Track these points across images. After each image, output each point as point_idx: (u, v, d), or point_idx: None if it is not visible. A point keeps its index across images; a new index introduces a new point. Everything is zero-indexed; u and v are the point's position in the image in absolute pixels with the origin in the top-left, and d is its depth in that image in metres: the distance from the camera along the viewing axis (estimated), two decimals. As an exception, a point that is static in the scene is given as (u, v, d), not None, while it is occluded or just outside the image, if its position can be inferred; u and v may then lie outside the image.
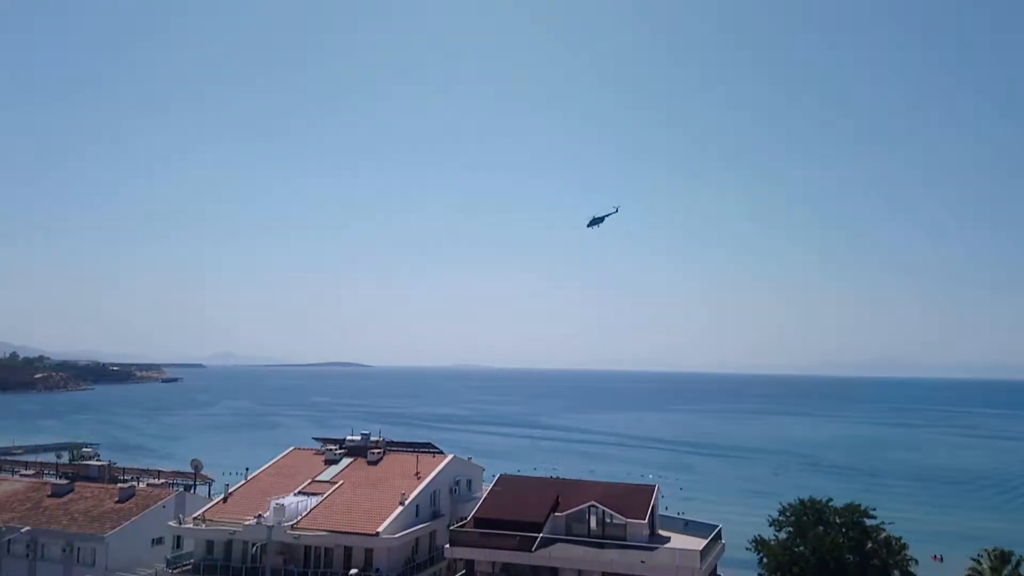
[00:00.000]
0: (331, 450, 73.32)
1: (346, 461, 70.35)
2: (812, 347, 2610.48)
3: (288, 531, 57.12)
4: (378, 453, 71.07)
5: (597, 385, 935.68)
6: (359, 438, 75.05)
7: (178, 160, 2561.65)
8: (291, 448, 76.90)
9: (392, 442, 76.55)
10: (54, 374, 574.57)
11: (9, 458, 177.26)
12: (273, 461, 72.13)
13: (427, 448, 74.20)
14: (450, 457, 70.11)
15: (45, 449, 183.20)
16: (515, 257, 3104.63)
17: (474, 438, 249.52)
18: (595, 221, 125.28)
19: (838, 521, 59.37)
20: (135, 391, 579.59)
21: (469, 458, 75.13)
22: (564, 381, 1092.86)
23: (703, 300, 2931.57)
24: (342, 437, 77.74)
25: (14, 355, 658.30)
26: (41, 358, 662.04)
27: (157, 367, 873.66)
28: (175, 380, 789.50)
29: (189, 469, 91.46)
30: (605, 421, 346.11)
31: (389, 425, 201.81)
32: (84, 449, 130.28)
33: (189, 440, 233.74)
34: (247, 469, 74.79)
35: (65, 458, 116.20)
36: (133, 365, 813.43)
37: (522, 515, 57.13)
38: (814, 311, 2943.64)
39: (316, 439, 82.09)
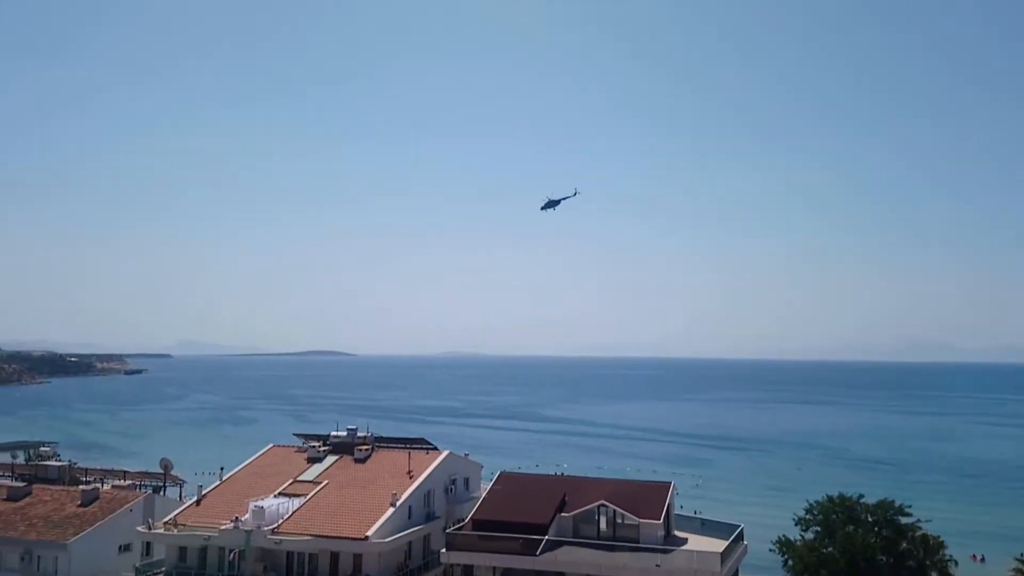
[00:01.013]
0: (314, 447, 73.45)
1: (331, 459, 70.50)
2: (834, 330, 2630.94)
3: (268, 536, 57.29)
4: (366, 450, 71.20)
5: (601, 373, 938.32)
6: (344, 434, 75.17)
7: (143, 138, 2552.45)
8: (269, 445, 76.99)
9: (381, 438, 76.72)
10: (5, 366, 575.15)
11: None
12: (250, 460, 72.25)
13: (420, 444, 74.40)
14: (445, 453, 70.32)
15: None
16: (507, 238, 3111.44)
17: (470, 432, 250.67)
18: (550, 204, 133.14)
19: (870, 519, 59.65)
20: (96, 384, 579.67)
21: (466, 454, 75.37)
22: (564, 369, 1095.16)
23: (714, 280, 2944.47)
24: (326, 433, 77.87)
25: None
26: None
27: (119, 358, 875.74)
28: (139, 372, 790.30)
29: (158, 469, 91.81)
30: (612, 412, 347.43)
31: (377, 419, 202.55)
32: (42, 448, 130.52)
33: (157, 437, 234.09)
34: (222, 469, 74.98)
35: (21, 458, 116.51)
36: (93, 356, 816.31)
37: (525, 516, 57.37)
38: (835, 291, 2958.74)
39: (297, 435, 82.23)
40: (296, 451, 74.55)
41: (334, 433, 76.05)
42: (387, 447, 73.98)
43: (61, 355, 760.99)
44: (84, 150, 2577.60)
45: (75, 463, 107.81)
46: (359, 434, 75.23)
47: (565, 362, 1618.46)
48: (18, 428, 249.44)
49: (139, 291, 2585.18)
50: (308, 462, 70.76)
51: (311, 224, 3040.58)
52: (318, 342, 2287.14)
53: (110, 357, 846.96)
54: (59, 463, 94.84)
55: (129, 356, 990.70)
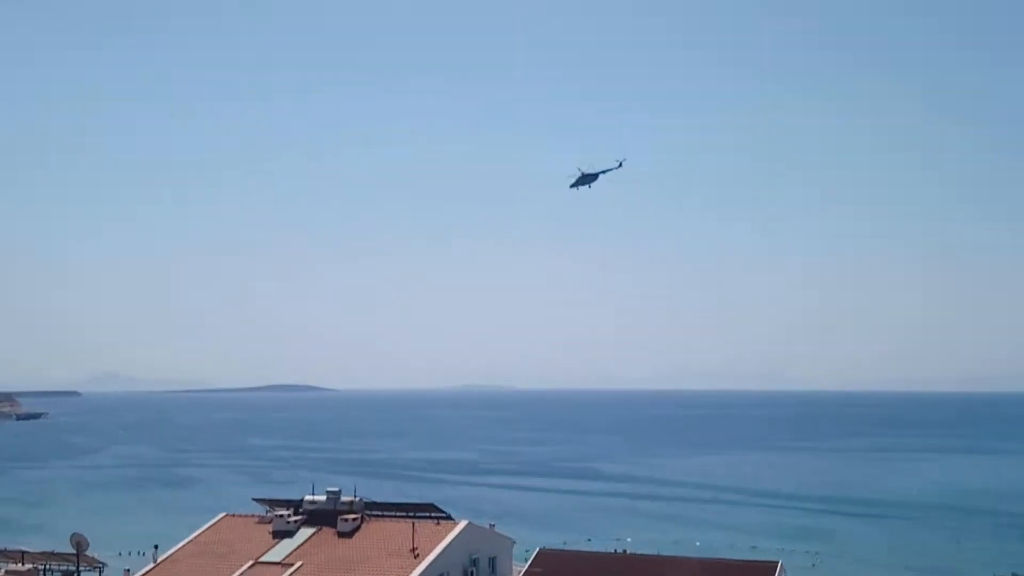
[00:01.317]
0: (282, 516, 74.12)
1: (305, 532, 71.07)
2: (983, 352, 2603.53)
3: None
4: (354, 520, 71.74)
5: (667, 413, 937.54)
6: (323, 498, 75.85)
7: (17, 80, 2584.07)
8: (221, 515, 77.78)
9: (374, 503, 77.26)
10: None
11: None
12: (195, 534, 73.04)
13: (427, 511, 74.92)
14: (463, 524, 70.69)
15: None
16: (536, 231, 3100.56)
17: (496, 495, 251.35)
18: (585, 179, 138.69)
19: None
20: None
21: (491, 525, 75.58)
22: (618, 408, 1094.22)
23: (814, 293, 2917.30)
24: (297, 497, 78.46)
25: None
26: None
27: (8, 397, 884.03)
28: (37, 416, 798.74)
29: (69, 548, 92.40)
30: (691, 467, 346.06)
31: (366, 478, 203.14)
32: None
33: (64, 505, 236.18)
34: (156, 547, 75.60)
35: None
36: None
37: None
38: (969, 308, 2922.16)
39: (258, 500, 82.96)
40: (257, 522, 75.19)
41: (309, 497, 76.63)
42: (383, 516, 74.56)
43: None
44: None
45: None
46: (343, 498, 75.79)
47: (619, 398, 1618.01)
48: None
49: (33, 308, 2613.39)
50: (274, 537, 71.33)
51: (270, 216, 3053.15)
52: (284, 374, 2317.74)
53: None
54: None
55: (21, 395, 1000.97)
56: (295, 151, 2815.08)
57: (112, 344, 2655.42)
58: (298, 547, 68.87)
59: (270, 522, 74.32)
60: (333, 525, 71.81)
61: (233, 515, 78.42)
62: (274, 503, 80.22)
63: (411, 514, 74.45)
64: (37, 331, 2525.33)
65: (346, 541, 69.13)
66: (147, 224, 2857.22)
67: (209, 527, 74.72)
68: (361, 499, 76.18)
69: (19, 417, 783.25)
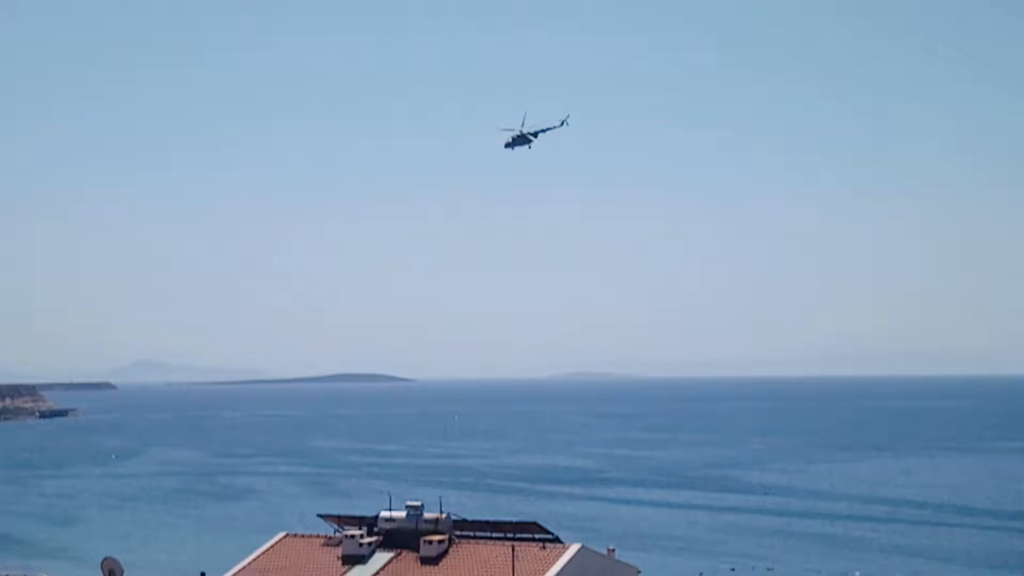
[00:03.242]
0: (353, 538, 75.06)
1: (382, 558, 72.07)
2: None
3: None
4: (440, 543, 72.41)
5: (818, 405, 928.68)
6: (403, 514, 76.57)
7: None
8: (280, 535, 79.28)
9: (464, 521, 77.80)
10: None
11: None
12: (250, 559, 74.66)
13: (530, 531, 75.24)
14: (575, 548, 71.08)
15: None
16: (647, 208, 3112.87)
17: (613, 511, 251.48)
18: (522, 139, 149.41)
19: None
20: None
21: (610, 549, 75.84)
22: (758, 398, 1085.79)
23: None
24: (371, 514, 79.35)
25: None
26: None
27: (32, 390, 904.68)
28: (63, 413, 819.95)
29: (99, 574, 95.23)
30: (854, 474, 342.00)
31: (454, 490, 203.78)
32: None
33: (94, 522, 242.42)
34: (203, 574, 77.45)
35: None
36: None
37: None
38: None
39: (324, 517, 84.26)
40: (323, 543, 76.51)
41: (385, 513, 77.45)
42: (475, 537, 75.13)
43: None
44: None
45: None
46: (427, 515, 76.43)
47: (757, 385, 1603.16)
48: None
49: (62, 285, 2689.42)
50: (344, 563, 72.56)
51: (336, 185, 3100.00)
52: (353, 362, 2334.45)
53: (15, 390, 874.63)
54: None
55: (46, 387, 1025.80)
56: (372, 129, 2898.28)
57: (150, 328, 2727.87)
58: (374, 575, 69.79)
59: (339, 544, 75.26)
60: (415, 549, 72.39)
61: (295, 535, 79.73)
62: (343, 520, 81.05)
63: (510, 535, 74.68)
64: (67, 316, 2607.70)
65: (431, 569, 69.73)
66: (186, 191, 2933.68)
67: (266, 550, 76.07)
68: (448, 516, 76.55)
69: (42, 414, 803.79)
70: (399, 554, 72.63)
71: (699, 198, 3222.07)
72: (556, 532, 76.47)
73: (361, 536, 75.42)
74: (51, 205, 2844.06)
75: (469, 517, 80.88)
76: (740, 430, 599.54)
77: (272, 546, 77.10)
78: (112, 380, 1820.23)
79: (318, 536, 78.70)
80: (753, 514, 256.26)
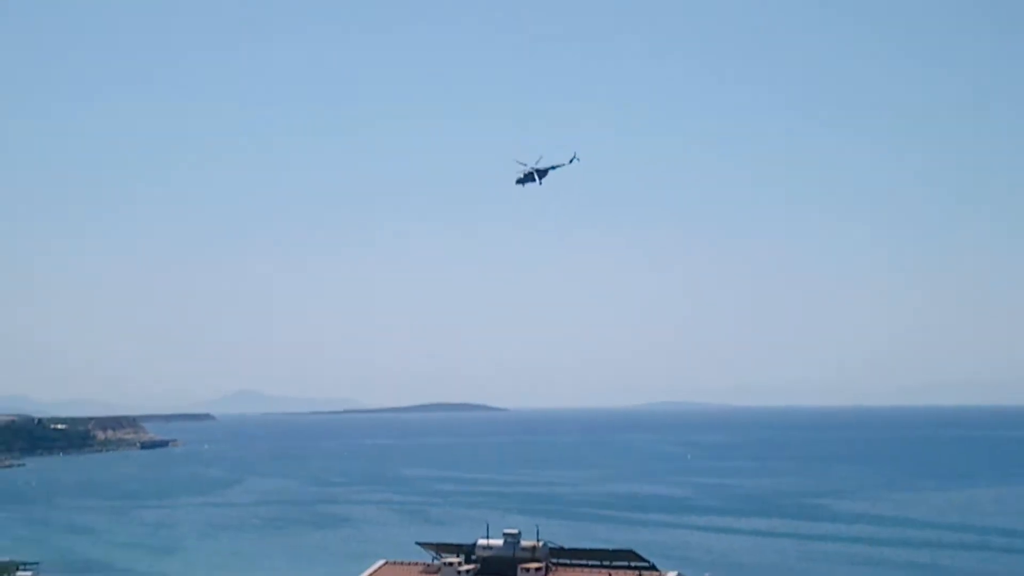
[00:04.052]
0: (451, 565, 76.43)
1: (479, 585, 73.15)
2: None
3: None
4: (537, 570, 73.41)
5: (914, 434, 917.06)
6: (500, 542, 77.59)
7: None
8: (379, 563, 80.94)
9: (561, 549, 78.66)
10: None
11: None
12: (351, 586, 76.35)
13: (626, 559, 76.06)
14: None
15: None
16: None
17: (706, 540, 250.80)
18: (533, 175, 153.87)
19: None
20: (96, 465, 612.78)
21: (705, 576, 76.56)
22: (851, 428, 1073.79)
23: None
24: (468, 541, 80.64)
25: None
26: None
27: (133, 422, 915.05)
28: (164, 444, 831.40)
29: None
30: (945, 503, 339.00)
31: (549, 518, 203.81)
32: (18, 572, 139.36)
33: (195, 551, 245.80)
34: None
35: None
36: (91, 421, 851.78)
37: None
38: None
39: (422, 545, 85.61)
40: (422, 571, 78.01)
41: (482, 541, 78.61)
42: (572, 565, 76.11)
43: (40, 421, 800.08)
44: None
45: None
46: (523, 543, 77.30)
47: (852, 415, 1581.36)
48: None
49: (162, 318, 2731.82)
50: (441, 590, 73.83)
51: (423, 217, 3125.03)
52: (444, 391, 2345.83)
53: (117, 422, 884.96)
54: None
55: (147, 419, 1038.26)
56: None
57: (250, 360, 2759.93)
58: (471, 602, 70.93)
59: (437, 571, 76.45)
60: (512, 574, 73.31)
61: (394, 563, 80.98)
62: (441, 548, 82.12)
63: (607, 563, 75.27)
64: (169, 347, 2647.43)
65: (528, 595, 70.54)
66: (287, 234, 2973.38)
67: (367, 577, 77.46)
68: (545, 543, 77.30)
69: (143, 445, 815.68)
70: (496, 581, 73.62)
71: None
72: (651, 559, 77.20)
73: (459, 564, 76.42)
74: (120, 237, 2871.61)
75: (565, 544, 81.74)
76: (824, 458, 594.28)
77: (372, 573, 78.57)
78: (211, 411, 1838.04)
79: (416, 564, 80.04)
80: (843, 542, 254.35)
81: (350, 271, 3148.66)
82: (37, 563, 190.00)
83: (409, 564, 79.47)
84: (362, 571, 79.68)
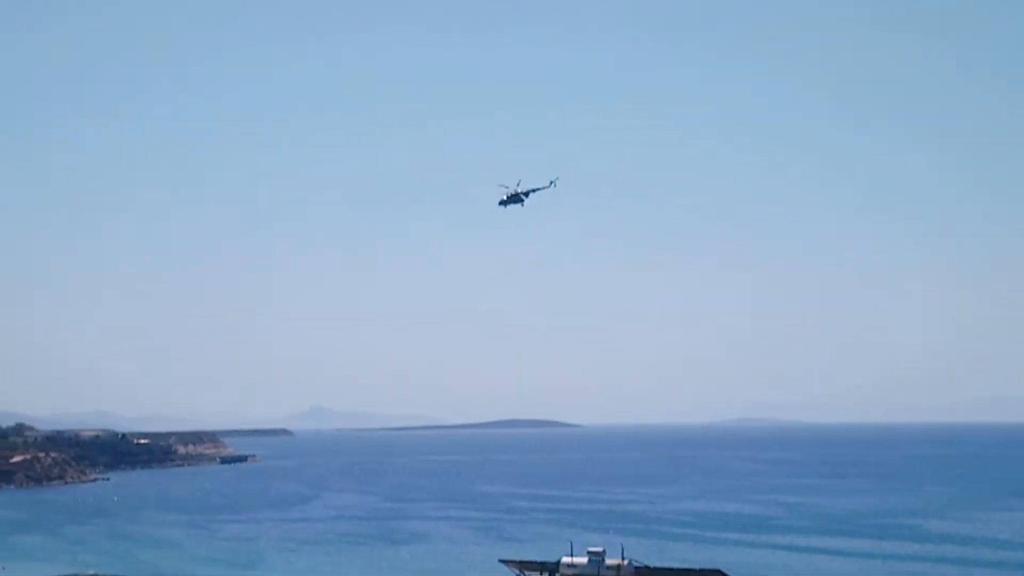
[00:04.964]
0: (534, 584, 74.14)
1: (565, 604, 70.78)
2: None
3: None
4: (624, 589, 70.96)
5: (1001, 452, 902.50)
6: (584, 560, 76.04)
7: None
8: (461, 580, 78.48)
9: (646, 568, 76.69)
10: (41, 455, 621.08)
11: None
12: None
13: (715, 579, 73.64)
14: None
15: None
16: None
17: (788, 559, 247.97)
18: (515, 198, 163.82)
19: None
20: (177, 480, 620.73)
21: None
22: (931, 444, 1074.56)
23: None
24: (552, 559, 78.70)
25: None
26: (20, 428, 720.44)
27: (212, 437, 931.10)
28: (243, 459, 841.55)
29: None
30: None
31: (630, 536, 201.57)
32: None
33: (274, 566, 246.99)
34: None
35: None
36: (172, 436, 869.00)
37: None
38: None
39: (505, 562, 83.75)
40: (505, 590, 75.56)
41: (566, 559, 77.29)
42: (659, 584, 73.63)
43: (124, 436, 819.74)
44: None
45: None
46: (608, 561, 75.78)
47: (931, 432, 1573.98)
48: (62, 553, 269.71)
49: (237, 342, 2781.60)
50: (526, 610, 71.38)
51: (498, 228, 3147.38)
52: (520, 408, 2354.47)
53: (198, 437, 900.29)
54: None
55: (226, 434, 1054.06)
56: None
57: (324, 377, 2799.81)
58: (556, 623, 68.85)
59: (520, 590, 74.62)
60: (598, 594, 71.43)
61: (475, 581, 79.19)
62: (524, 566, 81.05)
63: (694, 582, 73.78)
64: (247, 366, 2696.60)
65: (615, 616, 68.65)
66: (369, 258, 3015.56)
67: (447, 595, 75.58)
68: (630, 562, 76.34)
69: (223, 460, 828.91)
70: (582, 600, 71.32)
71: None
72: (741, 579, 74.37)
73: (542, 582, 74.29)
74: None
75: (650, 563, 79.49)
76: (902, 475, 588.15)
77: (454, 592, 76.27)
78: (289, 427, 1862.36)
79: (499, 582, 77.54)
80: (930, 563, 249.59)
81: (421, 287, 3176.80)
82: None
83: (491, 583, 76.54)
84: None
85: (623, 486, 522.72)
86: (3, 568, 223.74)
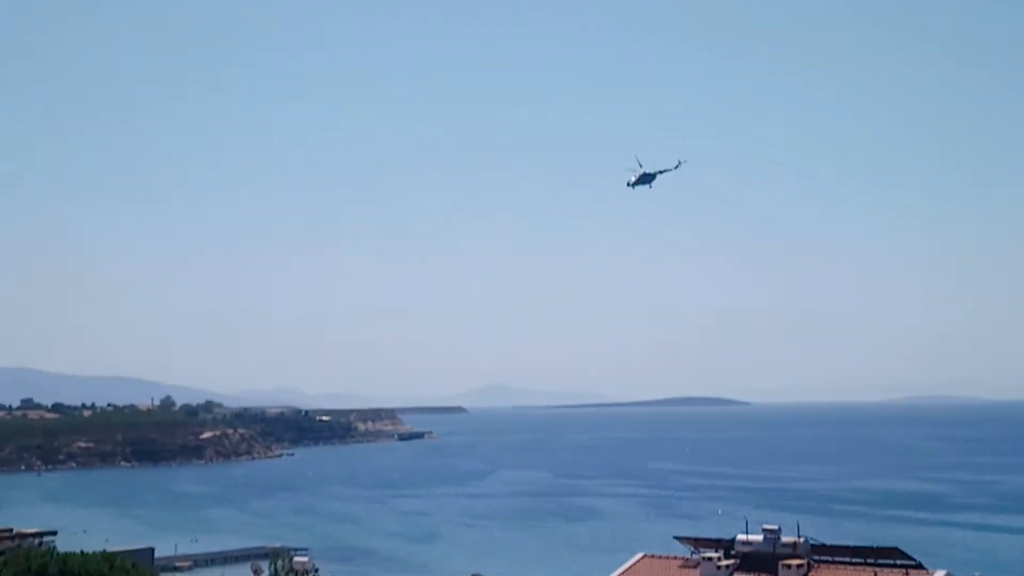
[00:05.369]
0: (710, 560, 74.68)
1: (741, 580, 71.14)
2: None
3: None
4: (799, 567, 71.45)
5: None
6: (760, 538, 75.81)
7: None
8: (638, 556, 79.45)
9: (822, 546, 76.28)
10: (230, 431, 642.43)
11: (177, 575, 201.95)
12: (610, 578, 74.89)
13: (890, 557, 73.18)
14: (940, 575, 68.38)
15: (228, 558, 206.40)
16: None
17: (968, 538, 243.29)
18: (645, 178, 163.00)
19: None
20: (358, 455, 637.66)
21: (977, 576, 72.87)
22: None
23: None
24: (727, 536, 78.71)
25: (168, 401, 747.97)
26: (210, 406, 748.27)
27: (391, 414, 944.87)
28: (420, 436, 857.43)
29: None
30: None
31: (804, 514, 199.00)
32: (295, 558, 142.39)
33: (452, 540, 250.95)
34: None
35: (265, 574, 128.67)
36: (352, 413, 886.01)
37: None
38: None
39: (680, 539, 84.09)
40: (681, 565, 76.45)
41: (741, 536, 77.06)
42: (834, 562, 73.65)
43: (307, 413, 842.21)
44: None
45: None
46: (784, 539, 75.31)
47: None
48: (251, 526, 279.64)
49: (420, 311, 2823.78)
50: (702, 585, 71.98)
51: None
52: (690, 385, 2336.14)
53: (377, 414, 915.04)
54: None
55: (404, 411, 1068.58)
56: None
57: (499, 353, 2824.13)
58: (733, 598, 69.18)
59: (696, 566, 75.10)
60: (773, 572, 71.45)
61: (652, 556, 79.83)
62: (699, 542, 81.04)
63: (870, 560, 73.13)
64: (422, 344, 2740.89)
65: (791, 592, 68.66)
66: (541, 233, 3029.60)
67: (626, 570, 76.34)
68: (806, 539, 75.54)
69: (401, 437, 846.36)
70: (756, 576, 71.60)
71: None
72: (917, 557, 73.90)
73: (718, 559, 74.87)
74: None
75: (827, 541, 79.11)
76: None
77: (631, 566, 77.45)
78: (463, 404, 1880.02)
79: (675, 558, 78.59)
80: None
81: (596, 266, 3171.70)
82: (307, 549, 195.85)
83: (667, 558, 78.10)
84: (618, 564, 78.34)
85: (794, 464, 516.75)
86: (195, 540, 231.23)
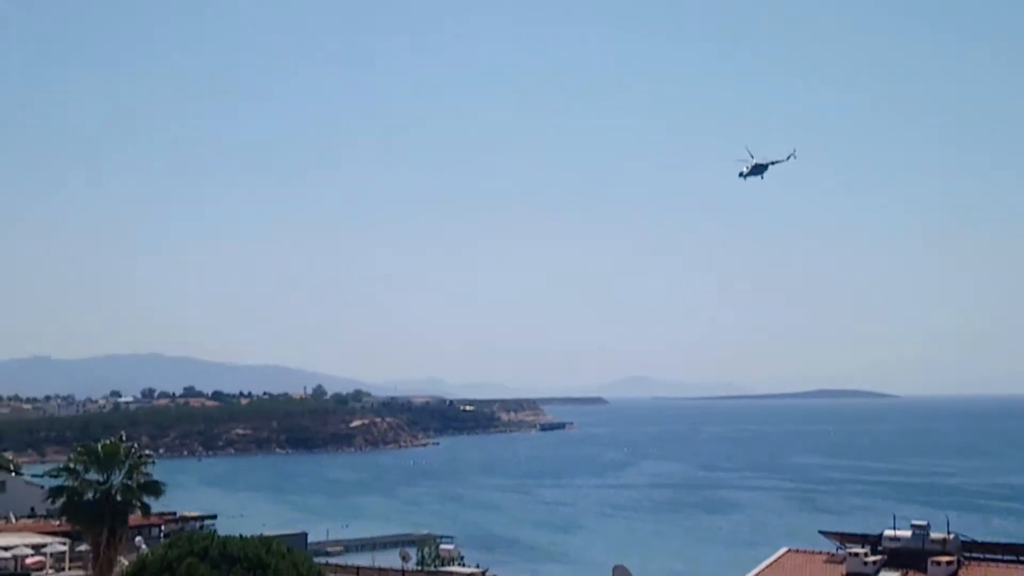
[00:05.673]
0: (856, 556, 73.86)
1: (888, 576, 70.30)
2: None
3: None
4: (949, 564, 70.33)
5: None
6: (908, 534, 74.89)
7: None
8: (783, 550, 78.83)
9: (974, 543, 74.95)
10: (378, 420, 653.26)
11: (328, 560, 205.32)
12: (755, 572, 74.86)
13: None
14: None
15: (377, 544, 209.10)
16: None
17: None
18: (757, 169, 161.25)
19: None
20: (500, 445, 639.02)
21: None
22: None
23: None
24: (874, 532, 77.66)
25: (319, 390, 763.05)
26: (359, 395, 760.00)
27: (533, 405, 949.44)
28: (561, 426, 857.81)
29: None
30: None
31: (947, 510, 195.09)
32: (442, 545, 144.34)
33: (592, 530, 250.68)
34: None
35: (413, 561, 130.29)
36: (495, 403, 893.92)
37: None
38: None
39: (825, 534, 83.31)
40: (826, 560, 75.75)
41: (888, 532, 75.95)
42: (986, 560, 72.47)
43: (452, 403, 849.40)
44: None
45: (485, 570, 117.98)
46: (933, 535, 74.19)
47: None
48: (398, 513, 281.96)
49: (561, 304, 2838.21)
50: (849, 582, 71.25)
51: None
52: (834, 377, 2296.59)
53: (519, 404, 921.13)
54: (470, 571, 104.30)
55: (545, 401, 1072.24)
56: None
57: (639, 343, 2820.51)
58: (881, 597, 68.44)
59: (842, 561, 74.18)
60: (922, 569, 70.28)
61: (796, 551, 79.21)
62: (845, 538, 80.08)
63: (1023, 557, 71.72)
64: (565, 336, 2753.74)
65: (941, 591, 67.66)
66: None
67: (770, 564, 75.83)
68: (956, 536, 74.21)
69: (542, 427, 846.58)
70: (905, 574, 70.66)
71: None
72: (1084, 559, 72.05)
73: (865, 554, 73.86)
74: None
75: (979, 538, 77.59)
76: None
77: (776, 560, 76.87)
78: (604, 395, 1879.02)
79: (820, 553, 77.78)
80: None
81: (738, 258, 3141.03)
82: (452, 537, 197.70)
83: (813, 553, 77.49)
84: (762, 558, 77.84)
85: (942, 458, 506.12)
86: (346, 526, 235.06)
